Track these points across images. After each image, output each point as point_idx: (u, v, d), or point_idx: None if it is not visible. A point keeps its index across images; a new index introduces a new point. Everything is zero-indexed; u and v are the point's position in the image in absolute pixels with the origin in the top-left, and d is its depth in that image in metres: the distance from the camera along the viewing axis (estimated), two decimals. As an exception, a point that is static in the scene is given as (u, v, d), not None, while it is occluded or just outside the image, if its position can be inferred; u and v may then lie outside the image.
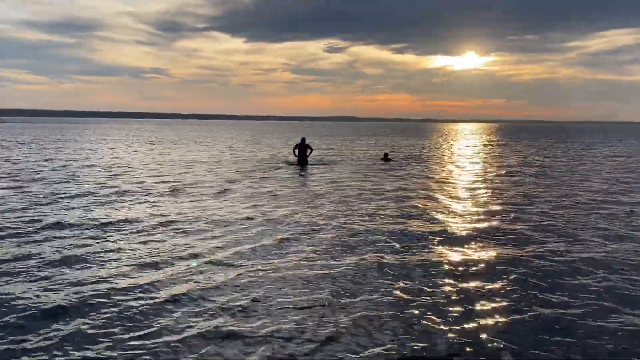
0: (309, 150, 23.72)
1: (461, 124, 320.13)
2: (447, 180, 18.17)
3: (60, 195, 13.23)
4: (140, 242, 8.55)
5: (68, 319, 5.41)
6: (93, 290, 6.24)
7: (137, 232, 9.26)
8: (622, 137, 71.59)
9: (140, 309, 5.73)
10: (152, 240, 8.71)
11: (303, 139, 24.21)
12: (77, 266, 7.21)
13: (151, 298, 6.06)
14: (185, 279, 6.77)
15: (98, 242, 8.51)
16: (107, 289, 6.29)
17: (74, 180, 16.54)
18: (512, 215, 11.40)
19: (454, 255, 8.02)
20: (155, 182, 16.27)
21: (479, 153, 35.32)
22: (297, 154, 23.63)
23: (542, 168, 23.18)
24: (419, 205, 12.61)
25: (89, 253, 7.85)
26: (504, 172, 21.33)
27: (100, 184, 15.79)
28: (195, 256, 7.78)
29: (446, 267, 7.42)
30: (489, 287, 6.57)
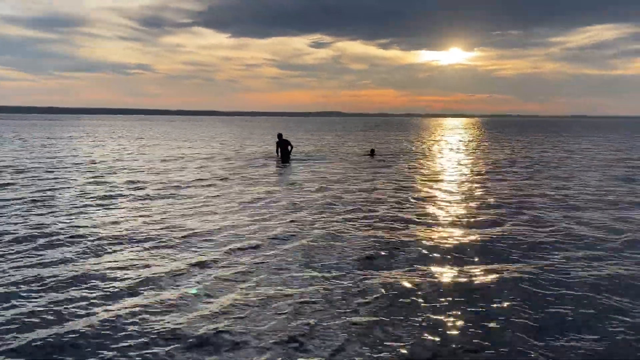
0: (289, 147, 23.70)
1: (446, 119, 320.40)
2: (436, 177, 18.10)
3: (47, 199, 12.85)
4: (130, 256, 8.00)
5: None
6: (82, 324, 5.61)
7: (127, 243, 8.73)
8: (608, 132, 72.23)
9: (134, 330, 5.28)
10: (142, 253, 8.18)
11: (280, 135, 24.12)
12: (56, 286, 6.48)
13: (145, 324, 5.42)
14: (189, 302, 6.04)
15: (87, 257, 8.01)
16: (91, 319, 5.52)
17: (62, 180, 16.17)
18: (513, 217, 11.29)
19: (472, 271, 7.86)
20: (147, 183, 16.01)
21: (465, 148, 35.36)
22: (279, 152, 23.61)
23: (533, 163, 23.31)
24: (418, 208, 12.54)
25: (78, 268, 7.42)
26: (493, 167, 21.37)
27: (90, 184, 15.48)
28: (198, 277, 6.93)
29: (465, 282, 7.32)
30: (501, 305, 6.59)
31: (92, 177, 16.93)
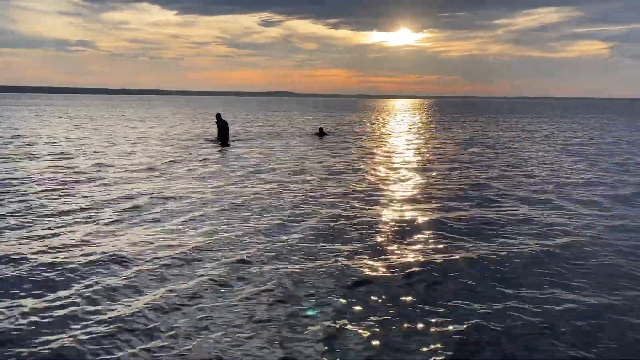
0: (227, 129, 22.17)
1: (398, 100, 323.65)
2: (379, 156, 17.17)
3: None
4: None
5: None
6: None
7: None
8: (551, 113, 73.82)
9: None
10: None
11: (218, 115, 22.49)
12: None
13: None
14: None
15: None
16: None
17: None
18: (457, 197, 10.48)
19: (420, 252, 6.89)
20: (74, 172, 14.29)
21: (420, 129, 34.86)
22: (219, 134, 22.07)
23: (481, 140, 22.79)
24: (362, 188, 11.47)
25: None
26: (441, 146, 20.67)
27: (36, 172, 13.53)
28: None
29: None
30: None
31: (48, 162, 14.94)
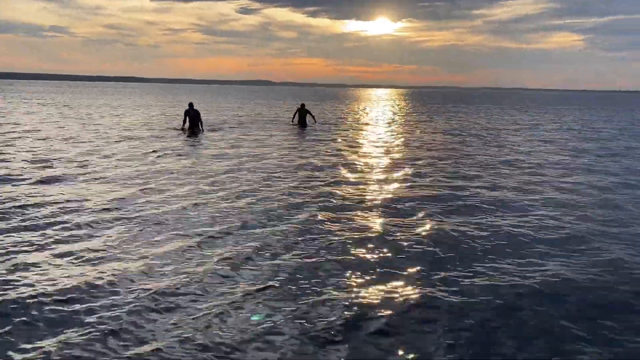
0: (199, 120, 21.12)
1: (377, 90, 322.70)
2: (377, 152, 16.65)
3: None
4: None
5: None
6: None
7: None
8: (528, 105, 74.26)
9: None
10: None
11: (191, 104, 21.33)
12: None
13: None
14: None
15: None
16: None
17: None
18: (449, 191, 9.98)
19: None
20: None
21: (406, 119, 34.49)
22: (188, 122, 20.99)
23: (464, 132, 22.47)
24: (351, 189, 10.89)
25: None
26: (441, 140, 20.29)
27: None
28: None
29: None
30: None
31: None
